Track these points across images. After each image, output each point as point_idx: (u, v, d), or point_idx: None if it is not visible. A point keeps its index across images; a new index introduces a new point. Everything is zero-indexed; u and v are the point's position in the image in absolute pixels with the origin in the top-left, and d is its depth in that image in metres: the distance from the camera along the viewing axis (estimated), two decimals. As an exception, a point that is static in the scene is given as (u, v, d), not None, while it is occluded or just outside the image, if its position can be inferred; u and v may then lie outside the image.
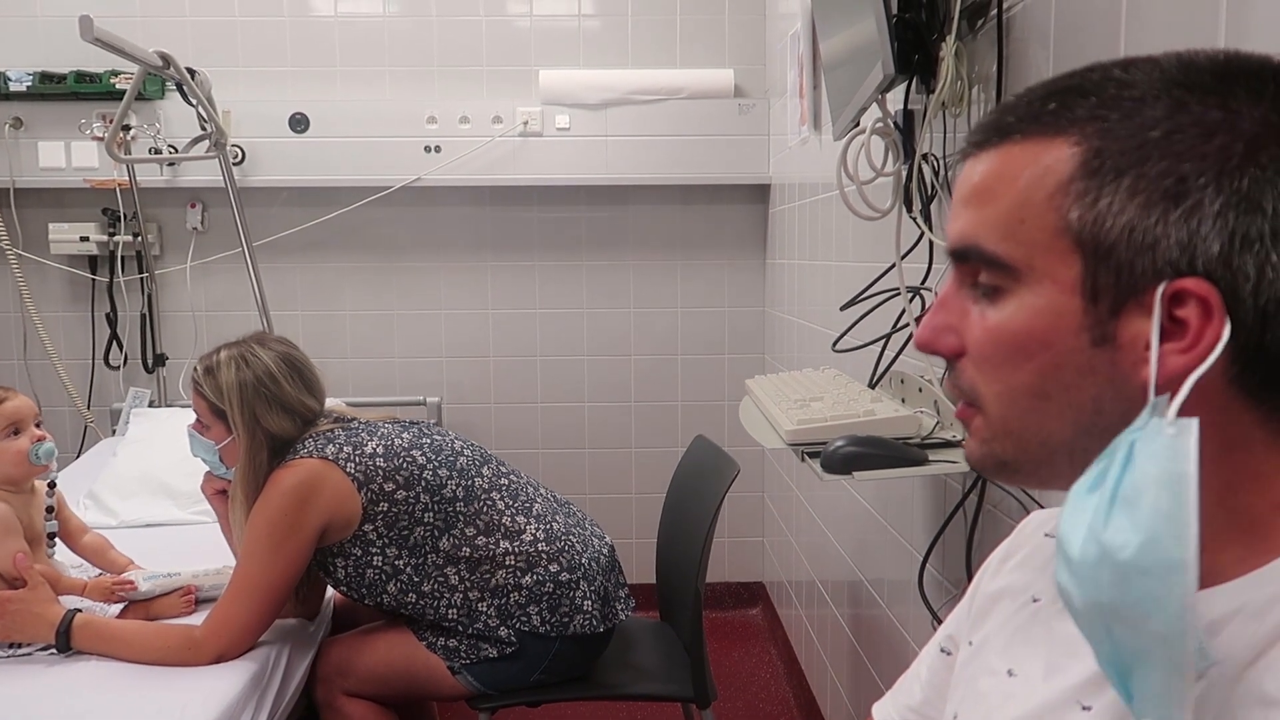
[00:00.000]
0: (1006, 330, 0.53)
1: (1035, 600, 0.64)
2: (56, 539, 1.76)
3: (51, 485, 1.74)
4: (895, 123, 1.43)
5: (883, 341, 1.55)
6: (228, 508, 1.77)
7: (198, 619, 1.65)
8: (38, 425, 1.68)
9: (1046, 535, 0.68)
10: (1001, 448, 0.56)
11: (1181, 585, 0.42)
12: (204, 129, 2.59)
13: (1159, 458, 0.44)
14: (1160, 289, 0.48)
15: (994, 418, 0.56)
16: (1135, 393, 0.49)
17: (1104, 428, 0.50)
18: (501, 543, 1.72)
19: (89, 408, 3.11)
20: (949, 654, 0.74)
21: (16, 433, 1.64)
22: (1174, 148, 0.48)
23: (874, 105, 1.40)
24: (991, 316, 0.54)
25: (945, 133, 1.37)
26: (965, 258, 0.56)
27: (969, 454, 0.59)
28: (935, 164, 1.38)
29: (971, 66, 1.27)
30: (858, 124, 1.50)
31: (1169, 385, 0.47)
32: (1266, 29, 0.75)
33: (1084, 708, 0.54)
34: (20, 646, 1.57)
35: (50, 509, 1.71)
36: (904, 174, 1.41)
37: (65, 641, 1.55)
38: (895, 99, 1.43)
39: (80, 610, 1.60)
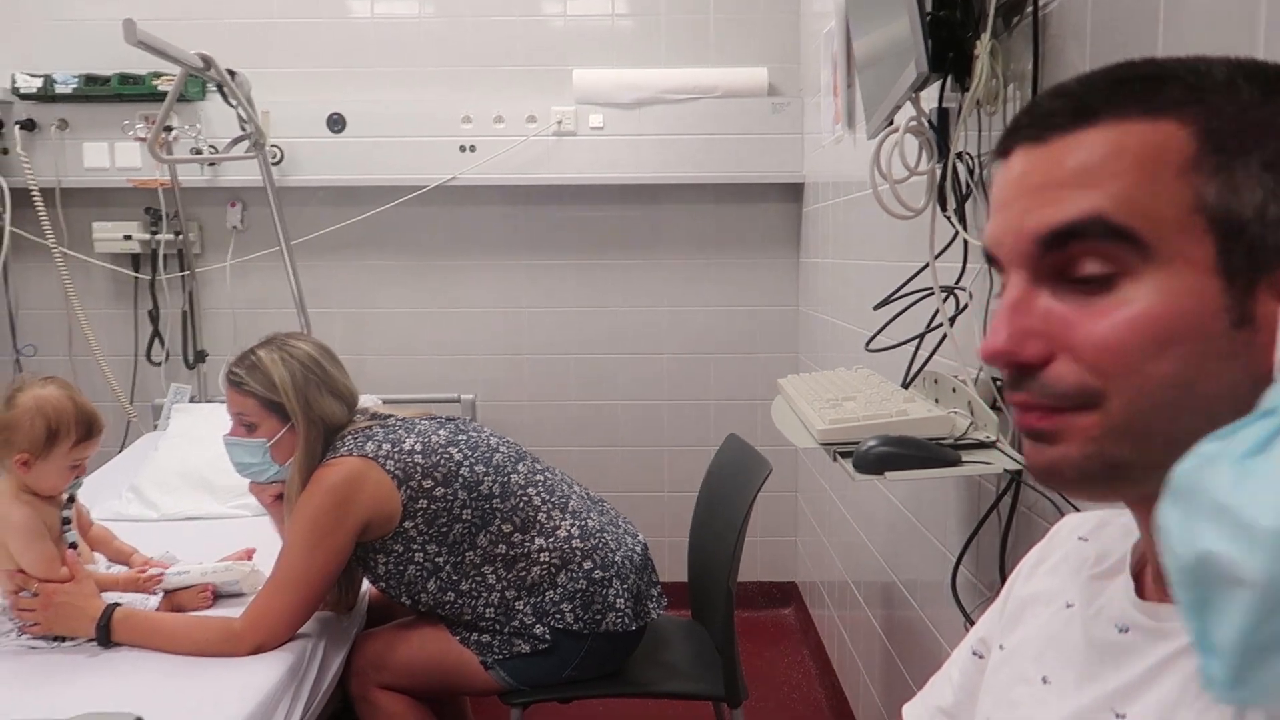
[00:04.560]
0: (1145, 316, 0.49)
1: (1069, 606, 0.63)
2: (76, 546, 1.77)
3: (71, 499, 1.74)
4: (929, 121, 1.42)
5: (916, 341, 1.54)
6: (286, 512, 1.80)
7: (229, 610, 1.68)
8: None
9: (1080, 539, 0.68)
10: (1118, 448, 0.51)
11: None
12: (244, 129, 2.63)
13: None
14: None
15: (1117, 413, 0.51)
16: (1266, 376, 0.48)
17: (1235, 417, 0.46)
18: (537, 539, 1.73)
19: (131, 403, 3.17)
20: (980, 657, 0.74)
21: (76, 466, 1.67)
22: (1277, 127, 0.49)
23: (908, 104, 1.39)
24: (1114, 305, 0.50)
25: (980, 131, 1.36)
26: (1070, 237, 0.51)
27: (1059, 459, 0.53)
28: (970, 163, 1.37)
29: (1007, 64, 1.26)
30: (891, 122, 1.49)
31: None
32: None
33: (1118, 715, 0.54)
34: (64, 640, 1.61)
35: (67, 520, 1.72)
36: (938, 173, 1.40)
37: (106, 635, 1.58)
38: (929, 97, 1.42)
39: (120, 604, 1.63)
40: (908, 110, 1.41)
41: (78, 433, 1.63)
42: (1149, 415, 0.50)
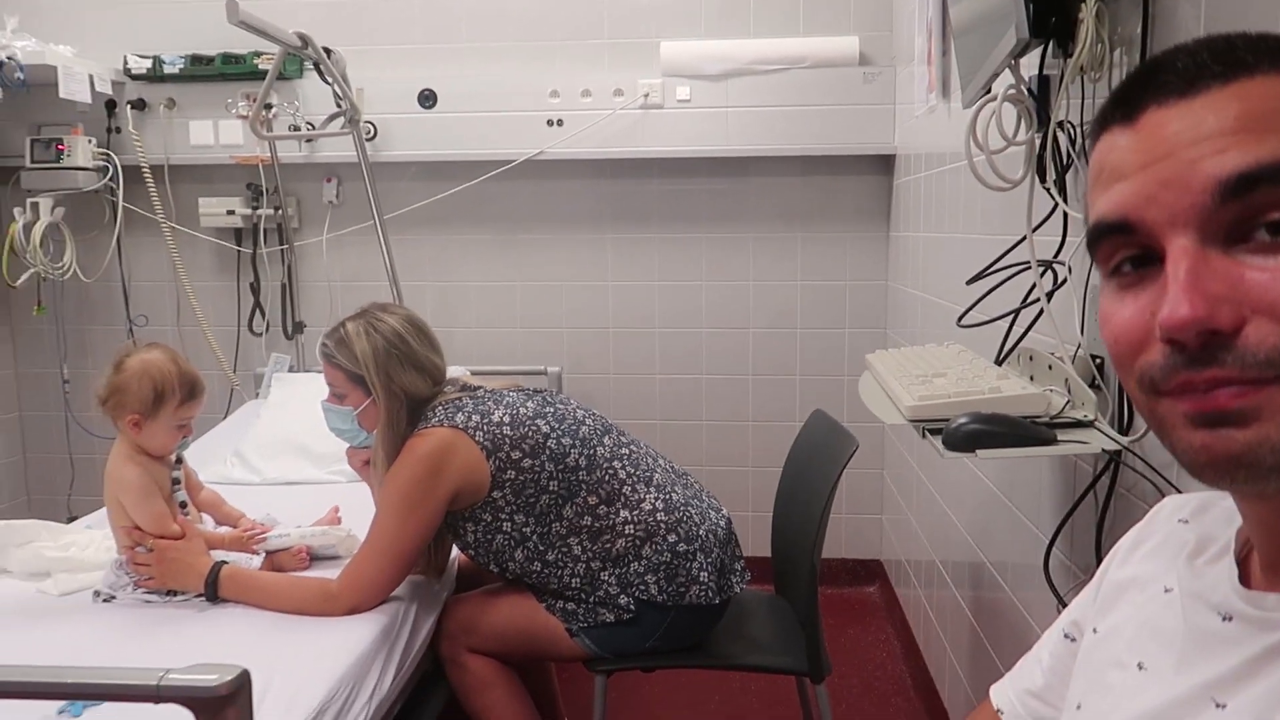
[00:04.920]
0: None
1: (1167, 591, 0.61)
2: (186, 505, 1.86)
3: (179, 460, 1.84)
4: (1029, 89, 1.37)
5: (1011, 316, 1.49)
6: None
7: (325, 572, 1.75)
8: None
9: (1181, 522, 0.65)
10: None
11: None
12: (339, 106, 2.70)
13: None
14: None
15: None
16: None
17: None
18: (621, 512, 1.75)
19: (235, 371, 3.31)
20: (1073, 640, 0.72)
21: (182, 425, 1.76)
22: None
23: (1006, 71, 1.34)
24: None
25: (1083, 99, 1.30)
26: (1257, 182, 0.46)
27: (1263, 443, 0.47)
28: (1071, 132, 1.32)
29: (1113, 28, 1.20)
30: (989, 91, 1.44)
31: None
32: None
33: (1218, 705, 0.52)
34: (175, 594, 1.70)
35: (177, 480, 1.82)
36: (1037, 143, 1.35)
37: (213, 591, 1.67)
38: (1029, 64, 1.37)
39: (226, 562, 1.71)
40: (1006, 78, 1.37)
41: (181, 393, 1.72)
42: None
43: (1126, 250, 0.52)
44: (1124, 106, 0.52)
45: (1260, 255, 0.47)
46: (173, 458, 1.82)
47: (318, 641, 1.54)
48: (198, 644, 1.54)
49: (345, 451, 1.92)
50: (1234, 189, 0.47)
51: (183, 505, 1.82)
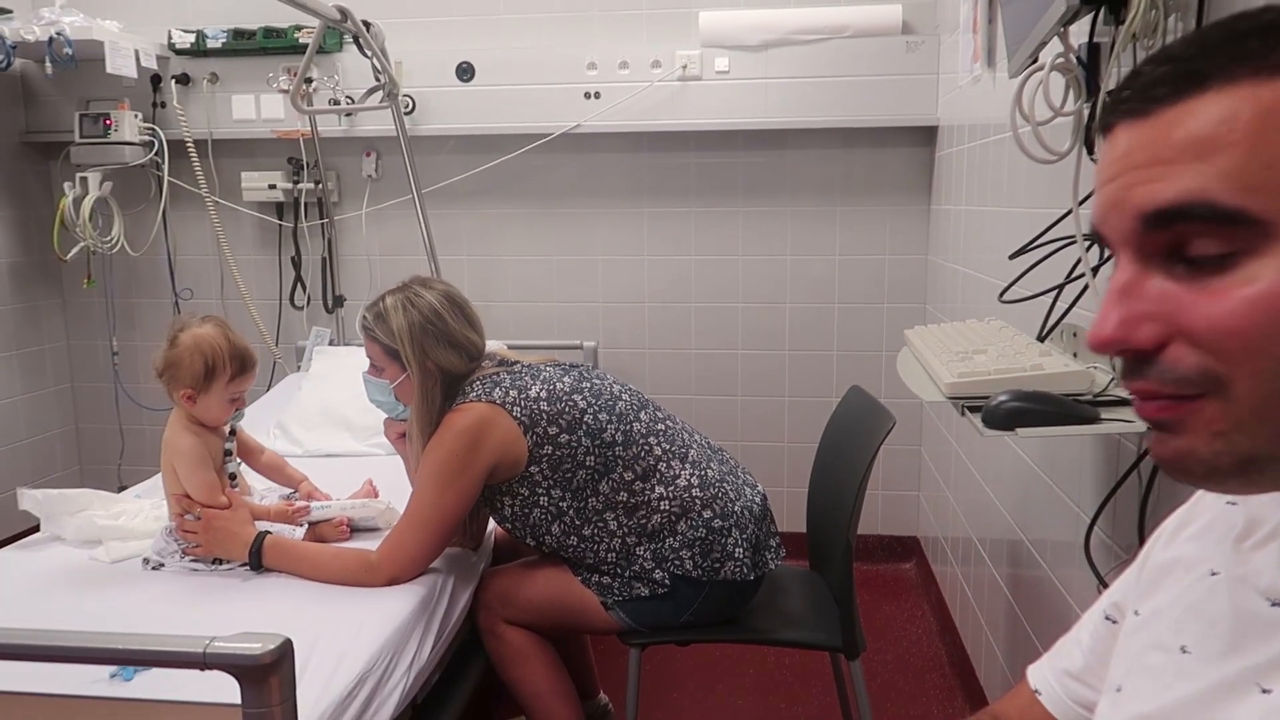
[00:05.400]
0: (1270, 295, 0.46)
1: (1214, 574, 0.60)
2: (236, 477, 1.90)
3: (232, 432, 1.88)
4: (1078, 57, 1.34)
5: (1055, 292, 1.47)
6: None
7: (365, 544, 1.78)
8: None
9: (1229, 504, 0.64)
10: (1249, 440, 0.48)
11: None
12: (378, 80, 2.71)
13: None
14: None
15: (1244, 402, 0.47)
16: None
17: None
18: (657, 488, 1.76)
19: (277, 344, 3.35)
20: (1114, 622, 0.71)
21: (235, 399, 1.79)
22: None
23: (1055, 39, 1.31)
24: (1232, 285, 0.47)
25: (1141, 63, 1.27)
26: (1177, 220, 0.48)
27: (1186, 453, 0.50)
28: (1121, 102, 1.28)
29: (1168, -6, 1.16)
30: (1036, 60, 1.41)
31: None
32: None
33: (1264, 690, 0.51)
34: (220, 563, 1.74)
35: (229, 452, 1.86)
36: (1085, 113, 1.32)
37: (257, 560, 1.70)
38: (1079, 31, 1.33)
39: (270, 533, 1.74)
40: (1055, 46, 1.33)
41: (232, 368, 1.75)
42: (1276, 402, 0.47)
43: (1109, 250, 0.55)
44: (1104, 118, 0.54)
45: (1188, 277, 0.49)
46: (226, 429, 1.85)
47: (358, 611, 1.57)
48: (242, 612, 1.58)
49: (383, 423, 1.94)
50: (1155, 221, 0.49)
51: (232, 477, 1.86)
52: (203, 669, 1.00)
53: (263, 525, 1.79)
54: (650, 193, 3.20)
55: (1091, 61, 1.33)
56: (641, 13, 3.08)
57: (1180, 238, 0.49)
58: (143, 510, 1.94)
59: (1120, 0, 1.18)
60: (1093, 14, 1.27)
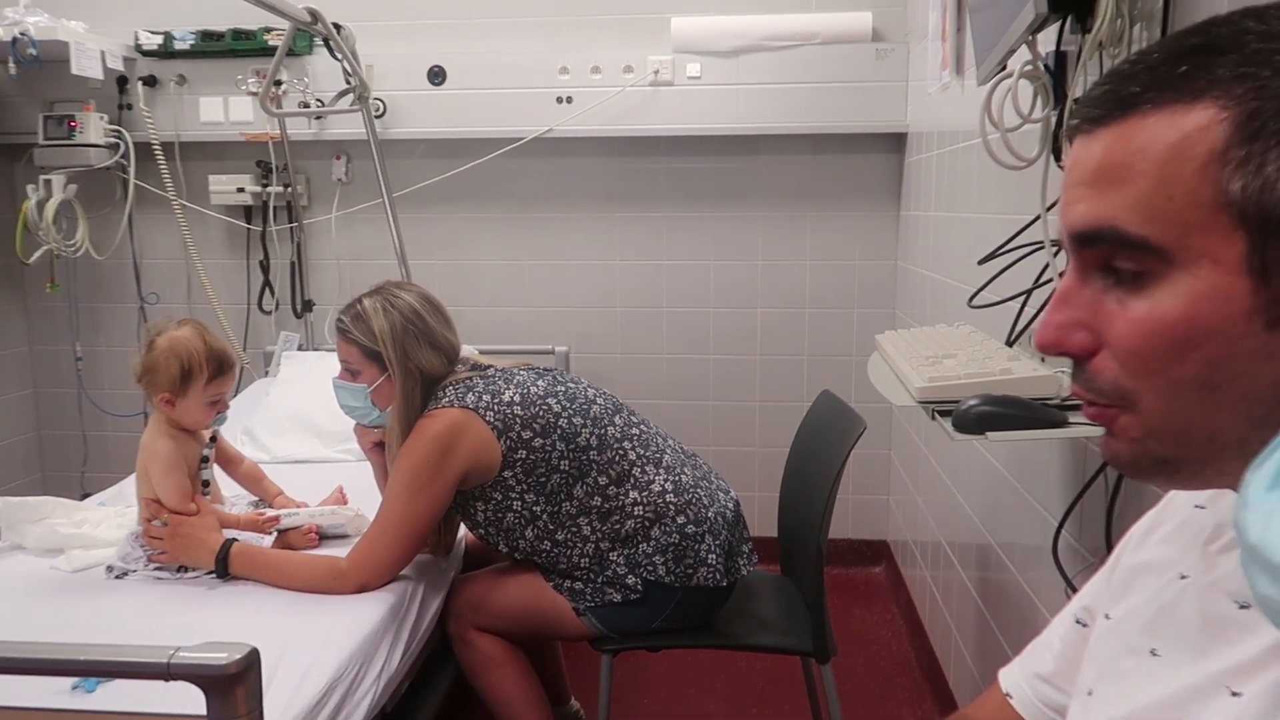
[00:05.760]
0: (1164, 320, 0.48)
1: (1183, 577, 0.61)
2: (209, 484, 1.87)
3: (213, 439, 1.86)
4: (1046, 65, 1.35)
5: (1023, 297, 1.48)
6: (385, 459, 1.87)
7: (334, 551, 1.76)
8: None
9: (1197, 507, 0.64)
10: (1160, 446, 0.51)
11: None
12: (349, 83, 2.69)
13: None
14: None
15: (1151, 414, 0.51)
16: None
17: (1273, 418, 0.46)
18: (631, 493, 1.75)
19: (245, 349, 3.31)
20: (1084, 625, 0.71)
21: (216, 401, 1.76)
22: None
23: (1023, 47, 1.32)
24: (1139, 306, 0.50)
25: (1101, 75, 1.28)
26: (1094, 242, 0.51)
27: (1114, 455, 0.54)
28: (1088, 110, 1.30)
29: (1134, 2, 1.18)
30: (1004, 67, 1.42)
31: None
32: None
33: (1234, 693, 0.51)
34: (187, 571, 1.71)
35: (206, 458, 1.83)
36: (1053, 120, 1.33)
37: (224, 567, 1.68)
38: (1046, 40, 1.35)
39: (237, 540, 1.72)
40: (1023, 54, 1.35)
41: (209, 370, 1.73)
42: (1181, 414, 0.50)
43: None
44: (1069, 130, 0.58)
45: (1115, 291, 0.52)
46: (206, 434, 1.83)
47: (327, 620, 1.55)
48: (208, 622, 1.55)
49: (354, 429, 1.92)
50: (1082, 241, 0.52)
51: (205, 484, 1.83)
52: (167, 680, 0.98)
53: (231, 533, 1.76)
54: (622, 197, 3.20)
55: (1059, 69, 1.35)
56: (614, 18, 3.09)
57: (1103, 256, 0.51)
58: (106, 518, 1.91)
59: (1087, 9, 1.20)
60: (1060, 22, 1.28)
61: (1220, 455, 0.50)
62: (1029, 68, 1.35)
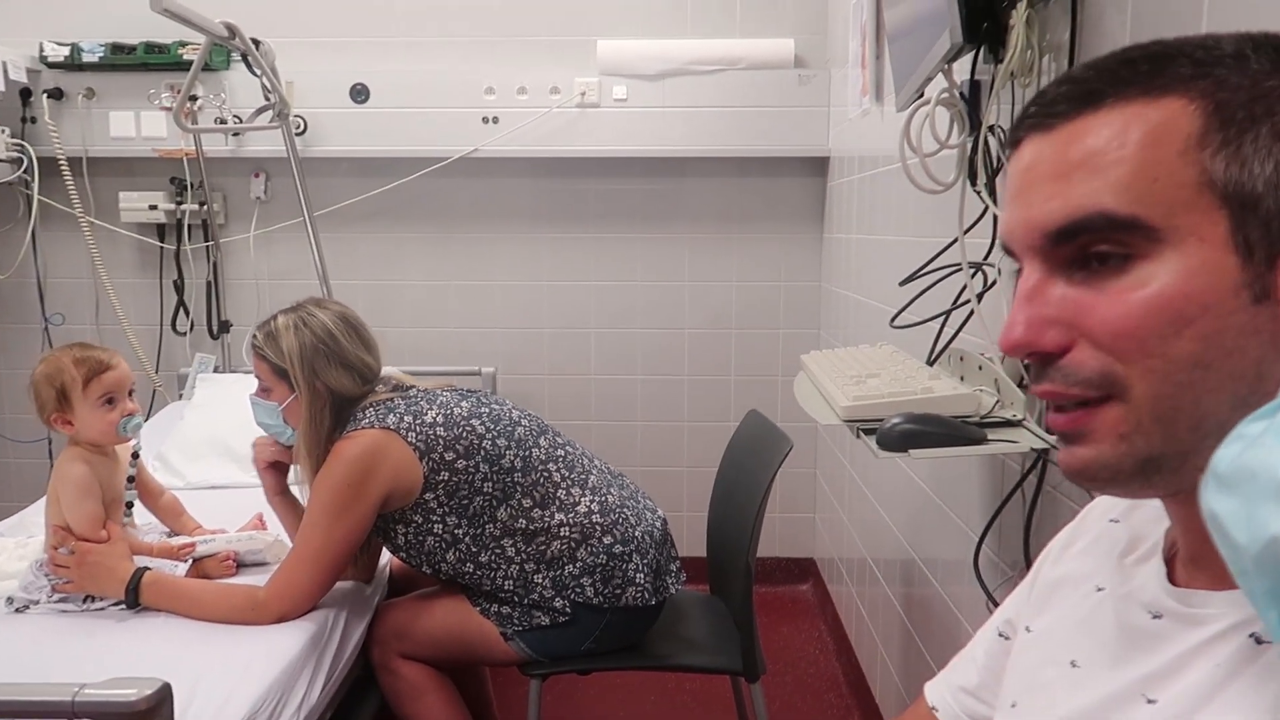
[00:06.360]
0: (1161, 296, 0.49)
1: (1100, 589, 0.63)
2: (134, 505, 1.80)
3: (135, 455, 1.79)
4: (961, 93, 1.40)
5: (942, 318, 1.52)
6: (277, 482, 1.82)
7: (252, 579, 1.70)
8: (130, 395, 1.72)
9: (1112, 521, 0.67)
10: (1147, 441, 0.50)
11: None
12: (268, 99, 2.63)
13: None
14: None
15: (1144, 401, 0.50)
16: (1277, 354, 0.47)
17: (1262, 397, 0.47)
18: (557, 514, 1.74)
19: (157, 372, 3.20)
20: (1006, 638, 0.73)
21: (110, 401, 1.68)
22: None
23: (940, 75, 1.37)
24: (1130, 286, 0.50)
25: (1013, 104, 1.33)
26: (1076, 234, 0.51)
27: (1089, 462, 0.53)
28: (1002, 136, 1.34)
29: (1043, 34, 1.23)
30: (922, 95, 1.46)
31: None
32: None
33: (1149, 700, 0.53)
34: (94, 601, 1.64)
35: (131, 478, 1.76)
36: (969, 146, 1.38)
37: (134, 597, 1.61)
38: (962, 69, 1.39)
39: (149, 568, 1.65)
40: (939, 82, 1.39)
41: (81, 374, 1.65)
42: (1173, 398, 0.49)
43: (1017, 263, 0.57)
44: (1013, 133, 0.57)
45: (1090, 283, 0.52)
46: (127, 454, 1.75)
47: (243, 651, 1.50)
48: (117, 656, 1.48)
49: (254, 443, 1.86)
50: (1059, 237, 0.52)
51: (129, 505, 1.75)
52: (72, 719, 0.93)
53: (143, 561, 1.69)
54: (549, 218, 3.20)
55: (973, 97, 1.39)
56: (540, 39, 3.09)
57: (1083, 248, 0.51)
58: (5, 549, 1.82)
59: (999, 41, 1.24)
60: (974, 52, 1.33)
61: (1201, 445, 0.49)
62: (945, 95, 1.40)
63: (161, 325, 3.21)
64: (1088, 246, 0.51)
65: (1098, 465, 0.53)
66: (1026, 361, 0.55)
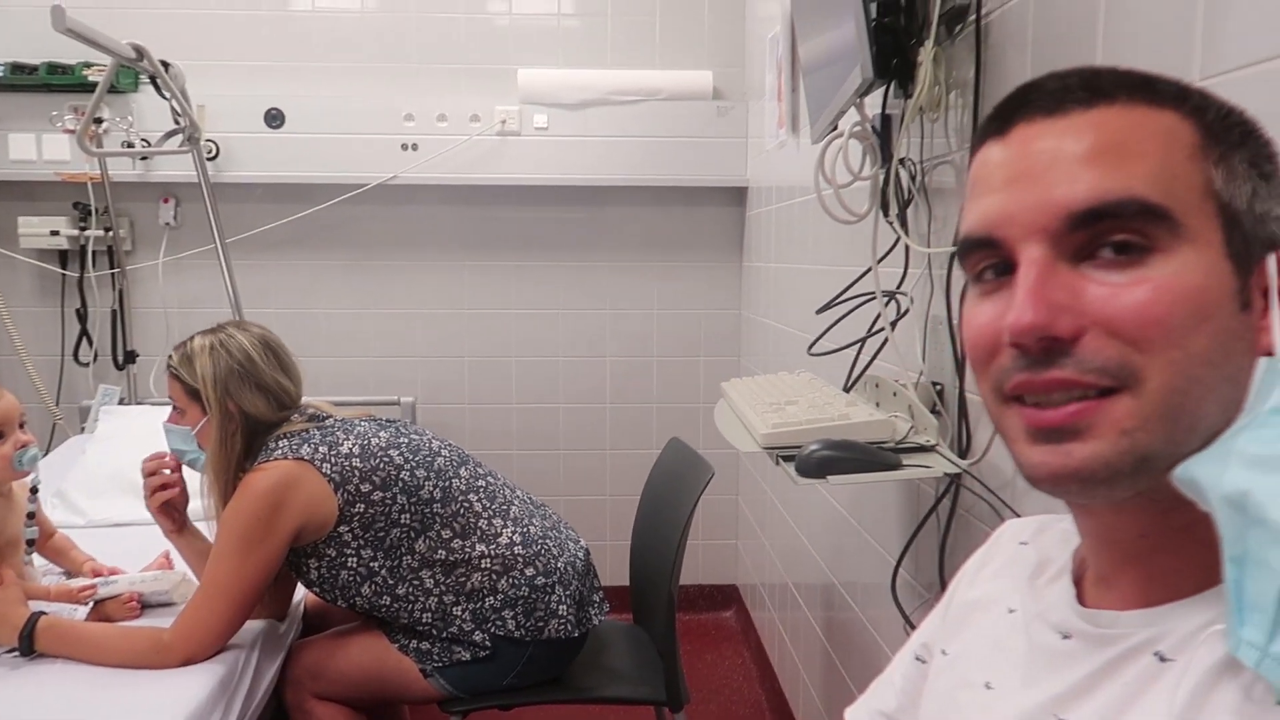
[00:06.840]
0: (1188, 287, 0.48)
1: (1011, 611, 0.64)
2: (34, 543, 1.71)
3: (34, 490, 1.70)
4: (873, 127, 1.44)
5: (858, 345, 1.55)
6: (174, 522, 1.75)
7: (158, 620, 1.63)
8: (22, 427, 1.64)
9: (1021, 544, 0.68)
10: (1149, 438, 0.49)
11: None
12: (178, 123, 2.56)
13: None
14: (1271, 258, 0.50)
15: (1157, 394, 0.49)
16: (1252, 363, 0.49)
17: (1231, 406, 0.48)
18: (478, 545, 1.71)
19: (58, 405, 3.06)
20: (923, 662, 0.74)
21: (0, 435, 1.60)
22: (1252, 132, 0.53)
23: (852, 109, 1.40)
24: (1152, 277, 0.49)
25: (922, 137, 1.37)
26: (1103, 216, 0.50)
27: (1085, 460, 0.50)
28: (912, 168, 1.39)
29: (949, 71, 1.27)
30: (836, 127, 1.50)
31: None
32: (1241, 35, 0.76)
33: (1060, 720, 0.54)
34: (-17, 648, 1.54)
35: (31, 515, 1.68)
36: (881, 178, 1.41)
37: (29, 644, 1.52)
38: (873, 103, 1.43)
39: (45, 614, 1.57)
40: (852, 115, 1.43)
41: None
42: (1183, 393, 0.49)
43: (990, 260, 0.55)
44: (998, 121, 0.56)
45: (1103, 271, 0.50)
46: (24, 491, 1.66)
47: (148, 696, 1.43)
48: (10, 705, 1.40)
49: (144, 485, 1.76)
50: (1082, 219, 0.50)
51: (30, 543, 1.66)
52: (-45, 776, 0.88)
53: (39, 605, 1.60)
54: (470, 246, 3.17)
55: (885, 131, 1.43)
56: (460, 67, 3.08)
57: (1097, 236, 0.50)
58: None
59: (909, 77, 1.28)
60: (885, 88, 1.37)
61: (1189, 448, 0.49)
62: (858, 128, 1.43)
63: (63, 355, 3.08)
64: (1105, 234, 0.50)
65: (1097, 463, 0.50)
66: (1025, 351, 0.52)
